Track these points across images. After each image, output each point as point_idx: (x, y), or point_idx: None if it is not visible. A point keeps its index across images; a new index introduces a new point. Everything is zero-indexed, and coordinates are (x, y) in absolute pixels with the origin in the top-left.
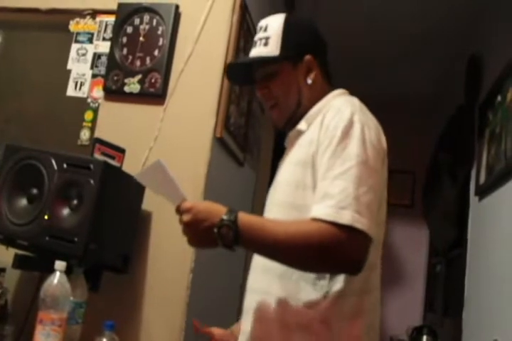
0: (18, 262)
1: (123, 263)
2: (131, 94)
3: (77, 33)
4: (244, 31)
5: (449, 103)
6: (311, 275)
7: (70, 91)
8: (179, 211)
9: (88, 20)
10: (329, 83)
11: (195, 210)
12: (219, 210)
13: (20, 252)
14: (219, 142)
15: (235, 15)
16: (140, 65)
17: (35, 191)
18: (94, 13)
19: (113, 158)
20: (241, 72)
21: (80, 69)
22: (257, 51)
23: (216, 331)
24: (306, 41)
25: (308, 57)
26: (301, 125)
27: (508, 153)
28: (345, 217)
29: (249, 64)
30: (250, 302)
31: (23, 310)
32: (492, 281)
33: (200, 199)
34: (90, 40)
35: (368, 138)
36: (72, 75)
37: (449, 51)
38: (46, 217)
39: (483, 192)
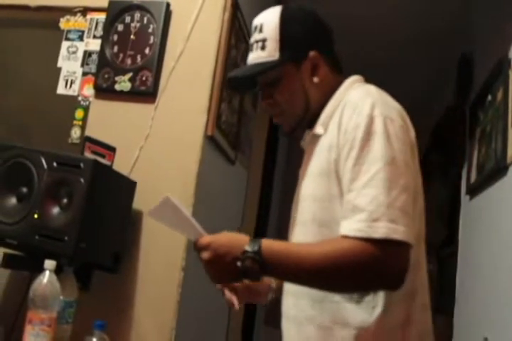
0: (8, 261)
1: (113, 262)
2: (121, 92)
3: (68, 31)
4: (236, 29)
5: (440, 102)
6: (354, 294)
7: (61, 89)
8: (197, 247)
9: (79, 18)
10: (339, 74)
11: (214, 245)
12: (240, 241)
13: (9, 251)
14: (210, 140)
15: (226, 13)
16: (131, 63)
17: (24, 190)
18: (85, 11)
19: (103, 156)
20: (243, 78)
21: (71, 67)
22: (254, 57)
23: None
24: (308, 36)
25: (312, 53)
26: (318, 129)
27: (499, 152)
28: (380, 230)
29: (251, 75)
30: (289, 331)
31: (12, 309)
32: (483, 280)
33: (191, 197)
34: (81, 38)
35: (393, 131)
36: (63, 73)
37: (440, 51)
38: (36, 216)
39: (474, 191)
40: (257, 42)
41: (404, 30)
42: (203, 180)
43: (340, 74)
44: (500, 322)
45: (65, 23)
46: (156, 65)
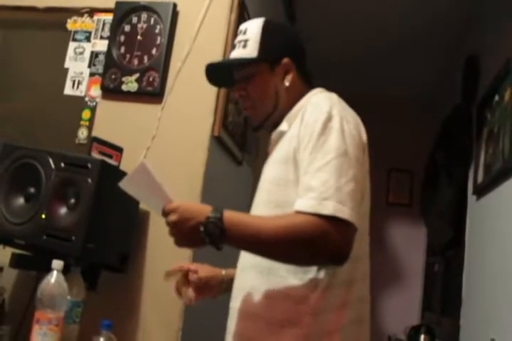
0: (16, 261)
1: (121, 263)
2: (128, 92)
3: (75, 32)
4: None
5: (447, 102)
6: (298, 270)
7: (68, 90)
8: (165, 213)
9: (86, 19)
10: (308, 85)
11: (180, 209)
12: (204, 209)
13: (17, 251)
14: (217, 141)
15: (232, 14)
16: (138, 64)
17: (32, 190)
18: (92, 12)
19: (111, 156)
20: (222, 73)
21: (78, 67)
22: (235, 53)
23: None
24: (283, 45)
25: (285, 60)
26: (283, 126)
27: (506, 153)
28: (328, 208)
29: (228, 66)
30: (236, 301)
31: (20, 309)
32: (489, 280)
33: (197, 198)
34: (88, 39)
35: (347, 129)
36: (70, 74)
37: (447, 51)
38: (43, 216)
39: (481, 191)
40: (239, 42)
41: (414, 30)
42: (209, 180)
43: (309, 86)
44: (507, 324)
45: (72, 23)
46: (163, 65)
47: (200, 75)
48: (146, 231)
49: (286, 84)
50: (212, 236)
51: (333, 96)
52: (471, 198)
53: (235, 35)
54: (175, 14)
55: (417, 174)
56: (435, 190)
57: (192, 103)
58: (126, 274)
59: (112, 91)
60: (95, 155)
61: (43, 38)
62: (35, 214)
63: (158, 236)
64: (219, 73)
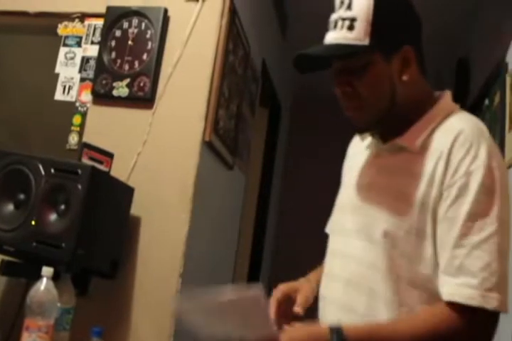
0: (5, 268)
1: (111, 269)
2: (119, 98)
3: (66, 37)
4: (234, 35)
5: None
6: None
7: (58, 95)
8: None
9: (76, 24)
10: (425, 77)
11: None
12: (321, 338)
13: (6, 258)
14: (208, 146)
15: (223, 19)
16: (128, 69)
17: (22, 196)
18: (83, 17)
19: (101, 162)
20: (314, 59)
21: (68, 73)
22: (338, 36)
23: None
24: (403, 26)
25: (406, 48)
26: (406, 141)
27: None
28: (493, 302)
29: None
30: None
31: (9, 316)
32: None
33: (189, 202)
34: (79, 44)
35: (505, 188)
36: (60, 79)
37: (437, 55)
38: (33, 223)
39: None
40: (343, 19)
41: None
42: (201, 185)
43: (425, 78)
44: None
45: (63, 29)
46: (154, 70)
47: (191, 80)
48: (137, 237)
49: (405, 78)
50: None
51: (484, 129)
52: None
53: (226, 40)
54: (166, 19)
55: None
56: None
57: (183, 108)
58: (117, 280)
59: (102, 97)
60: (85, 160)
61: (33, 42)
62: (24, 220)
63: (149, 241)
64: (311, 60)
